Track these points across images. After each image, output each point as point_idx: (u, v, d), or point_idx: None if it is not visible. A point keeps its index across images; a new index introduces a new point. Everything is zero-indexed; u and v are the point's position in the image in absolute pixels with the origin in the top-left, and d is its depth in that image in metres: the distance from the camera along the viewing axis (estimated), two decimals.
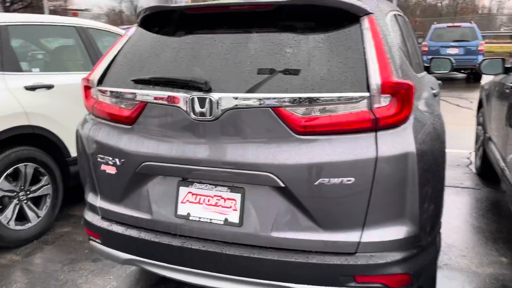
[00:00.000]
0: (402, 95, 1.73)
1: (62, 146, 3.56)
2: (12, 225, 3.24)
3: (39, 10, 37.42)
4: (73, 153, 3.64)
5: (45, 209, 3.49)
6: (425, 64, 3.77)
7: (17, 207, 3.29)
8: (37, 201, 3.46)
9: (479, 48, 13.27)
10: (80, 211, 3.97)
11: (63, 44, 4.30)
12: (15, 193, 3.27)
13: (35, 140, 3.42)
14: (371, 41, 1.81)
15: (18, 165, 3.25)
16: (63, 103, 3.58)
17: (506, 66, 3.96)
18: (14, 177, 3.27)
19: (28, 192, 3.36)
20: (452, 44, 13.48)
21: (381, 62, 1.75)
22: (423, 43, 14.10)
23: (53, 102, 3.52)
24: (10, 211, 3.23)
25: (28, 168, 3.32)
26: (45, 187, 3.47)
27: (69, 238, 3.46)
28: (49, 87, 3.52)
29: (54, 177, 3.52)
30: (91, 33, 4.12)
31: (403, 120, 1.76)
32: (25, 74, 3.46)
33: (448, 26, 14.60)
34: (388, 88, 1.71)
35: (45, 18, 3.97)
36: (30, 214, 3.37)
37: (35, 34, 3.92)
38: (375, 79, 1.71)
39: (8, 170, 3.19)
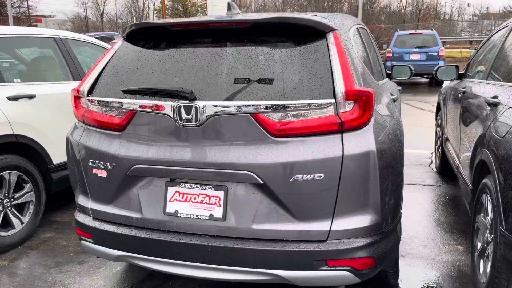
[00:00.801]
0: (364, 101, 1.99)
1: (45, 154, 3.68)
2: None
3: (1, 16, 36.49)
4: (56, 160, 3.76)
5: (29, 215, 3.59)
6: (388, 71, 4.10)
7: (2, 213, 3.39)
8: (20, 208, 3.56)
9: (440, 54, 13.97)
10: (62, 217, 4.11)
11: (43, 55, 4.40)
12: None
13: (19, 148, 3.52)
14: (335, 54, 2.07)
15: (2, 173, 3.35)
16: (45, 112, 3.70)
17: (459, 72, 4.34)
18: None
19: (12, 199, 3.46)
20: (415, 50, 14.13)
21: (344, 73, 2.00)
22: (388, 49, 14.72)
23: (35, 111, 3.63)
24: None
25: (12, 176, 3.43)
26: (28, 194, 3.58)
27: (53, 243, 3.57)
28: (31, 97, 3.63)
29: (37, 184, 3.63)
30: (70, 44, 4.25)
31: (365, 123, 2.02)
32: (7, 84, 3.56)
33: (410, 33, 15.31)
34: (351, 95, 1.97)
35: (25, 30, 4.07)
36: (14, 220, 3.47)
37: (15, 46, 4.02)
38: (340, 88, 1.97)
39: None
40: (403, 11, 52.01)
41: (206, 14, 29.20)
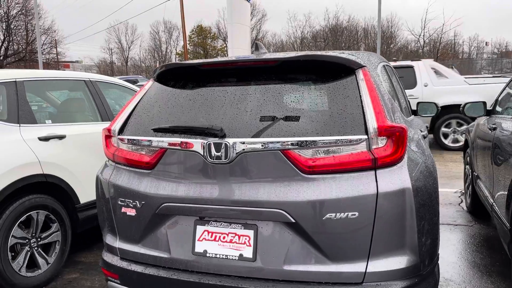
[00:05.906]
0: (397, 137, 1.95)
1: (72, 193, 3.70)
2: (23, 272, 3.31)
3: (31, 62, 38.25)
4: (82, 199, 3.78)
5: (54, 255, 3.58)
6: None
7: (28, 254, 3.38)
8: (46, 248, 3.55)
9: None
10: (87, 257, 4.08)
11: (73, 97, 4.54)
12: (26, 240, 3.37)
13: (47, 187, 3.56)
14: (366, 90, 2.06)
15: (30, 213, 3.38)
16: (74, 152, 3.76)
17: (487, 109, 4.27)
18: (26, 224, 3.39)
19: (39, 239, 3.46)
20: None
21: (376, 108, 1.98)
22: None
23: (65, 151, 3.70)
24: (21, 258, 3.31)
25: (40, 215, 3.45)
26: (55, 233, 3.58)
27: (78, 284, 3.52)
28: (61, 137, 3.71)
29: (64, 223, 3.64)
30: (99, 86, 4.38)
31: (399, 159, 1.97)
32: (39, 125, 3.65)
33: None
34: (384, 131, 1.94)
35: (57, 74, 4.22)
36: (40, 260, 3.45)
37: (48, 88, 4.17)
38: (372, 123, 1.94)
39: (22, 218, 3.31)
40: (421, 50, 52.37)
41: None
